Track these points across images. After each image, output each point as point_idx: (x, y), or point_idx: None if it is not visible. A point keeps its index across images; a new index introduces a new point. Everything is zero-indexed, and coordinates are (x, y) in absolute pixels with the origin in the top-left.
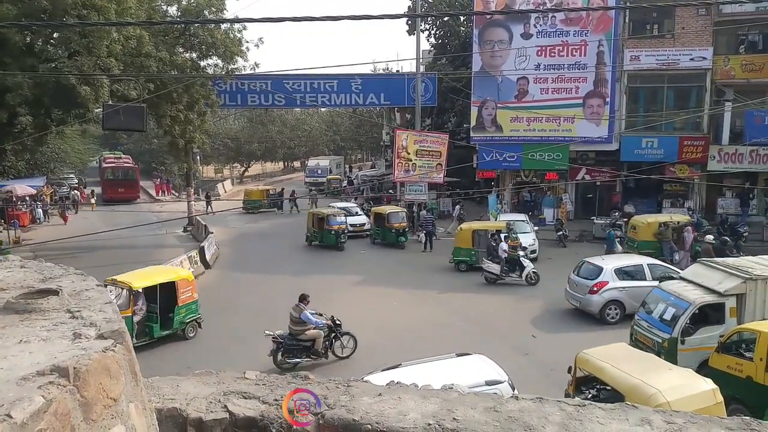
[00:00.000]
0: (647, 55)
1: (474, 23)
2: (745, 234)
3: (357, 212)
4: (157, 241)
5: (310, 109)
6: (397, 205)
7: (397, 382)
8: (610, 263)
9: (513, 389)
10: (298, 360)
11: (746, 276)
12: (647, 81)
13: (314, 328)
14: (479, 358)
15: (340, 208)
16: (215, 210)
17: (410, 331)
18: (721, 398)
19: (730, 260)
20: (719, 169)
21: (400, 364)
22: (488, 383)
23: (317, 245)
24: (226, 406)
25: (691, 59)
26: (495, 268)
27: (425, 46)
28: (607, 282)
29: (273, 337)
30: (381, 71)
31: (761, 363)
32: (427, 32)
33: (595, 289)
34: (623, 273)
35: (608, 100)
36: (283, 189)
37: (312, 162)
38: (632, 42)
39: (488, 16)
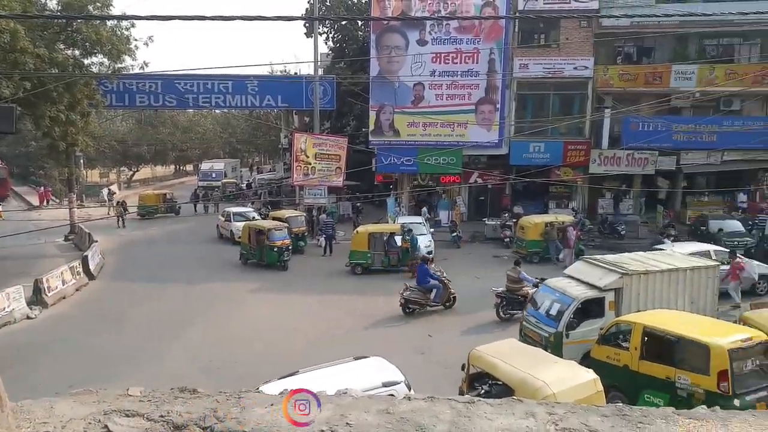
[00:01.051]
0: (535, 64)
1: (371, 28)
2: (623, 232)
3: (254, 217)
4: (36, 252)
5: (204, 111)
6: (296, 209)
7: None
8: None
9: (409, 389)
10: (516, 312)
11: (623, 272)
12: (535, 88)
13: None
14: (376, 360)
15: (235, 213)
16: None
17: (309, 337)
18: (601, 387)
19: (609, 257)
20: (600, 172)
21: (297, 372)
22: (385, 385)
23: (255, 264)
24: (106, 426)
25: (575, 68)
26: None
27: (323, 49)
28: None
29: (497, 294)
30: (279, 73)
31: (636, 352)
32: (325, 35)
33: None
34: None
35: (498, 106)
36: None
37: (206, 165)
38: (521, 51)
39: (385, 22)
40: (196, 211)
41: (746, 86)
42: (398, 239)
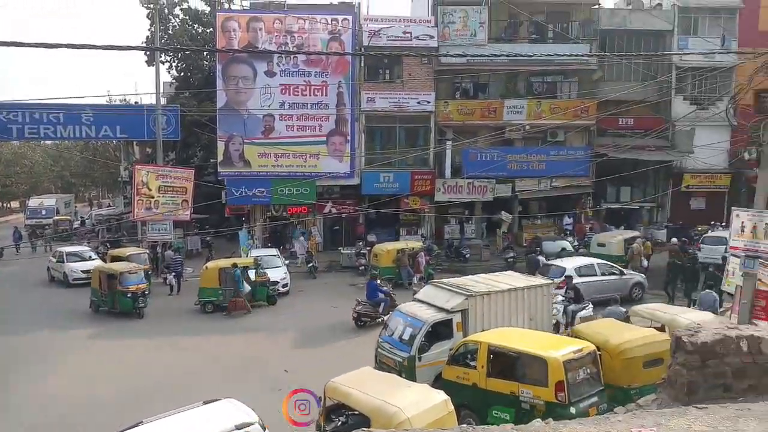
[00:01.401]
0: (381, 98)
1: (217, 58)
2: (467, 255)
3: (90, 257)
4: None
5: (32, 142)
6: (139, 246)
7: None
8: (572, 263)
9: (264, 429)
10: None
11: (468, 293)
12: (382, 121)
13: None
14: (228, 402)
15: (69, 253)
16: None
17: (155, 384)
18: (452, 407)
19: (454, 280)
20: (444, 200)
21: (141, 422)
22: (238, 428)
23: (107, 312)
24: None
25: (418, 103)
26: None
27: (167, 77)
28: (571, 278)
29: None
30: (118, 102)
31: (482, 370)
32: (168, 64)
33: (560, 286)
34: (582, 270)
35: (349, 138)
36: None
37: (34, 201)
38: (368, 85)
39: (231, 53)
40: (18, 252)
41: (568, 119)
42: (252, 273)
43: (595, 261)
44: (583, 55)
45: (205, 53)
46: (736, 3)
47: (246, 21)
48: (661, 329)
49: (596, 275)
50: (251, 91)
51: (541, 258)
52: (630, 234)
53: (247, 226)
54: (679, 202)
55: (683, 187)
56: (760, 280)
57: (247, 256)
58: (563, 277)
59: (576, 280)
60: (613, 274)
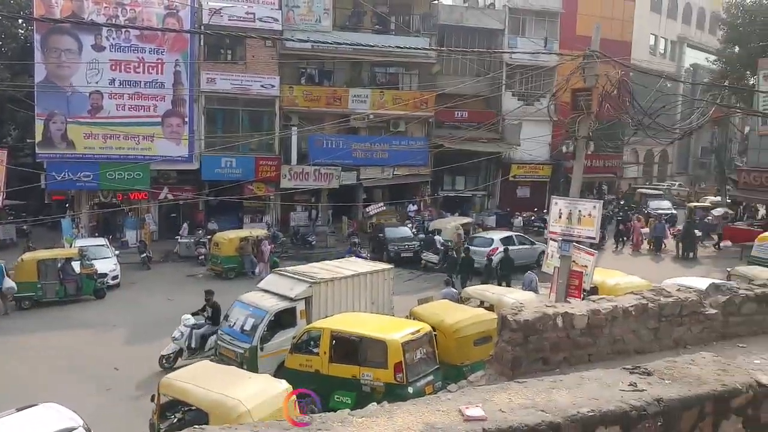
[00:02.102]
0: (222, 79)
1: (35, 27)
2: (313, 243)
3: None
4: None
5: None
6: None
7: None
8: (497, 236)
9: None
10: None
11: (312, 281)
12: (224, 103)
13: None
14: (47, 407)
15: None
16: None
17: None
18: (294, 396)
19: (299, 267)
20: (290, 187)
21: None
22: None
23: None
24: None
25: (262, 86)
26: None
27: None
28: (497, 248)
29: None
30: None
31: (325, 356)
32: None
33: (491, 253)
34: (504, 240)
35: (187, 119)
36: None
37: None
38: (208, 65)
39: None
40: None
41: (409, 110)
42: (76, 265)
43: (513, 233)
44: (422, 49)
45: (21, 21)
46: (557, 8)
47: None
48: (490, 309)
49: (516, 245)
50: (76, 65)
51: (438, 238)
52: (463, 220)
53: (71, 214)
54: (507, 191)
55: (511, 176)
56: (574, 261)
57: (71, 247)
58: (492, 247)
59: (500, 248)
60: (524, 244)
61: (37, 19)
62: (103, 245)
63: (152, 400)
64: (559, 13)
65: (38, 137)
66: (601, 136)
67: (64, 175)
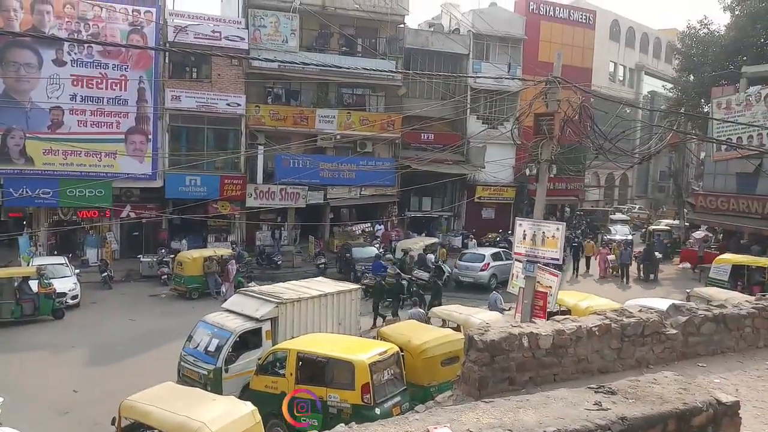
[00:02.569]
0: (188, 97)
1: None
2: (279, 262)
3: None
4: None
5: None
6: None
7: None
8: (487, 251)
9: None
10: None
11: (278, 301)
12: (189, 121)
13: None
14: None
15: None
16: None
17: None
18: (259, 418)
19: (265, 287)
20: (256, 206)
21: None
22: None
23: None
24: None
25: (228, 104)
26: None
27: None
28: (489, 263)
29: None
30: None
31: (291, 377)
32: None
33: (483, 268)
34: (494, 257)
35: (151, 137)
36: None
37: None
38: (173, 82)
39: (10, 36)
40: None
41: (376, 131)
42: (34, 284)
43: (501, 250)
44: (389, 71)
45: None
46: (520, 34)
47: (30, 1)
48: (457, 329)
49: (503, 260)
50: (36, 80)
51: (429, 256)
52: (430, 240)
53: (29, 231)
54: (472, 212)
55: (476, 198)
56: (538, 282)
57: (28, 265)
58: (484, 262)
59: (492, 263)
60: (510, 260)
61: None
62: (62, 264)
63: (113, 423)
64: (522, 40)
65: None
66: (564, 159)
67: (22, 191)
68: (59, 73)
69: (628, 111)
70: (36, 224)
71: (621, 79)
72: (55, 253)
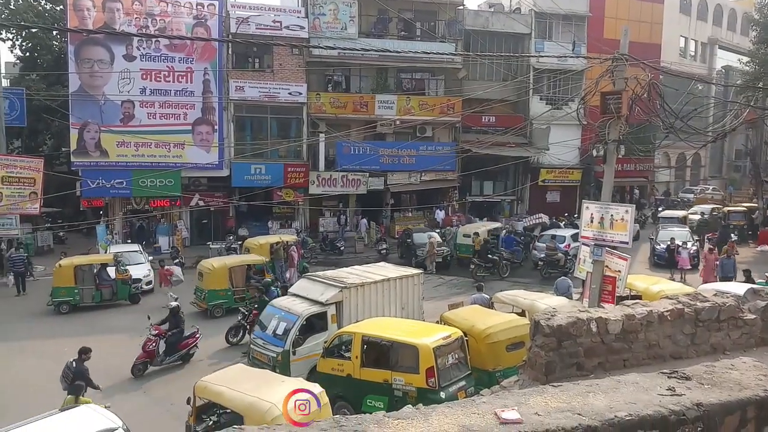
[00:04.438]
0: (251, 87)
1: (69, 39)
2: (342, 248)
3: None
4: None
5: None
6: None
7: None
8: (568, 232)
9: None
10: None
11: (342, 285)
12: (252, 111)
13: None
14: (87, 408)
15: None
16: None
17: (5, 393)
18: (326, 400)
19: (329, 273)
20: (318, 193)
21: None
22: None
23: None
24: None
25: (290, 93)
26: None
27: (9, 57)
28: (570, 244)
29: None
30: None
31: (357, 360)
32: (10, 42)
33: (565, 248)
34: (575, 237)
35: (217, 127)
36: None
37: None
38: (236, 73)
39: (85, 33)
40: None
41: (436, 116)
42: (111, 271)
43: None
44: (448, 54)
45: (55, 32)
46: (584, 11)
47: (101, 0)
48: (522, 314)
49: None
50: (108, 75)
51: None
52: (492, 225)
53: (105, 220)
54: (536, 196)
55: (540, 181)
56: (606, 266)
57: (105, 252)
58: (565, 243)
59: (573, 243)
60: None
61: (70, 30)
62: (136, 251)
63: (188, 402)
64: (587, 17)
65: (73, 146)
66: (632, 139)
67: (99, 182)
68: (129, 67)
69: (700, 87)
70: (111, 213)
71: (692, 54)
72: (130, 241)
